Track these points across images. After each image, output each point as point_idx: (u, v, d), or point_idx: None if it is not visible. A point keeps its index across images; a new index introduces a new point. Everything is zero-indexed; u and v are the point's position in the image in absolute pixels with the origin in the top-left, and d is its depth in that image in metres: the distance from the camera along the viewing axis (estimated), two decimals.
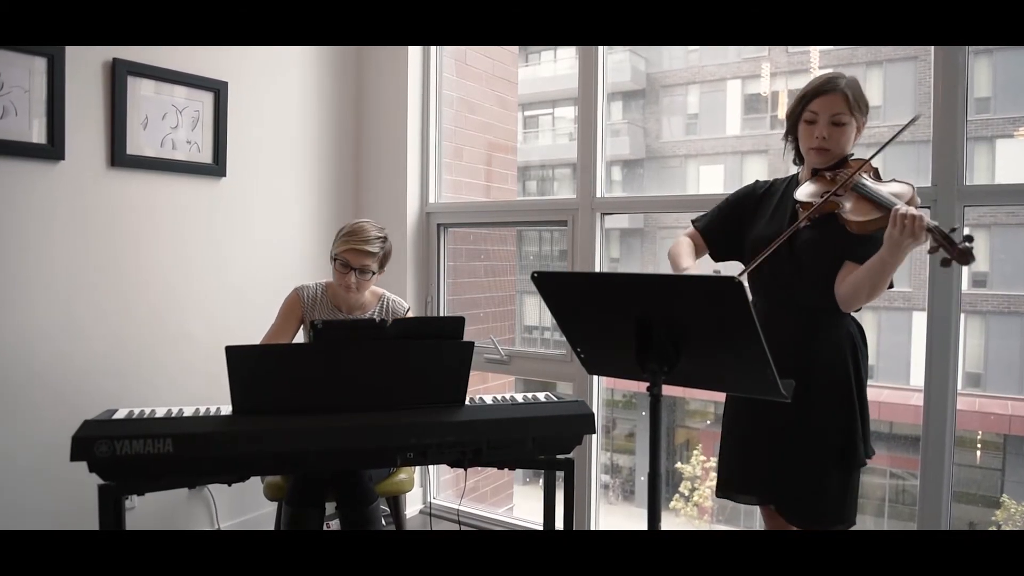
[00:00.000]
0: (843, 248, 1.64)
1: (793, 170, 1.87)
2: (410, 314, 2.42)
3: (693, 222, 1.94)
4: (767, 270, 1.73)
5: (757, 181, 1.92)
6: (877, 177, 1.69)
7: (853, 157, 1.73)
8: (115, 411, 1.76)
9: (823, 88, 1.69)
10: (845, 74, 1.73)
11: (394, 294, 2.43)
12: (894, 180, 1.67)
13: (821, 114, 1.69)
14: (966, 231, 1.47)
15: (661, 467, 1.38)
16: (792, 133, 1.79)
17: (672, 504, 5.02)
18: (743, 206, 1.87)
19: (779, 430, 1.70)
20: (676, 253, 1.88)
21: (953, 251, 1.43)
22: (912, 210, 1.47)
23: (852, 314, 1.75)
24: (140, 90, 2.46)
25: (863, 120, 1.72)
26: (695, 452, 5.38)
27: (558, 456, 1.94)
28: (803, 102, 1.73)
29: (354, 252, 2.18)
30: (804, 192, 1.71)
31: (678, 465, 5.20)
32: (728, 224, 1.87)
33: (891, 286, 1.66)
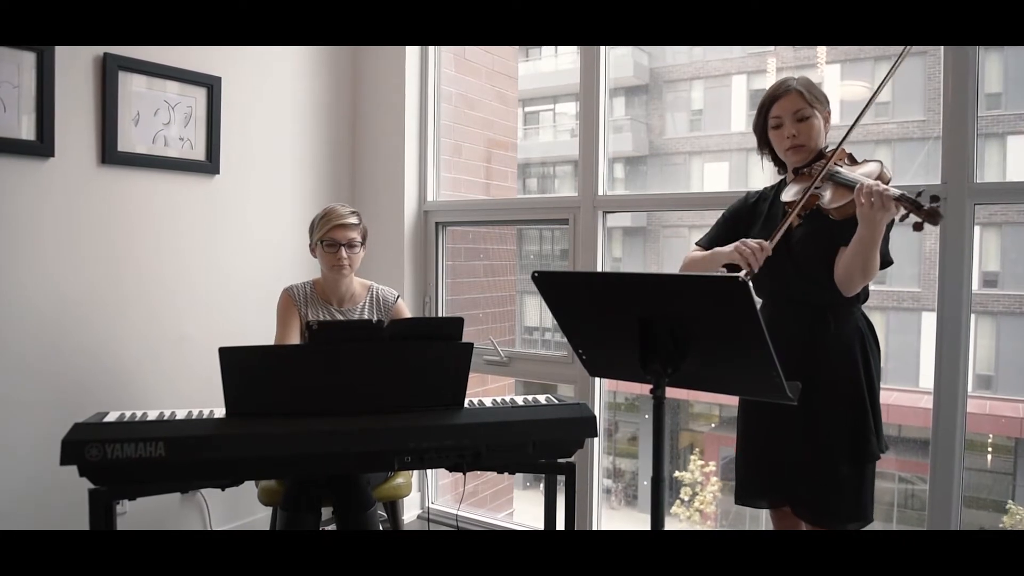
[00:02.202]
0: (835, 236, 1.68)
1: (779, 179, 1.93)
2: (407, 313, 2.43)
3: (697, 243, 1.97)
4: (767, 272, 1.76)
5: (748, 192, 1.96)
6: (853, 162, 1.76)
7: (828, 149, 1.79)
8: (106, 414, 1.74)
9: (777, 92, 1.79)
10: (794, 75, 1.82)
11: (382, 284, 2.45)
12: (866, 161, 1.74)
13: (784, 116, 1.77)
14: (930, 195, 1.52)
15: (665, 471, 1.37)
16: (765, 145, 1.87)
17: (673, 510, 4.97)
18: (738, 218, 1.91)
19: (791, 429, 1.71)
20: (695, 257, 1.89)
21: (922, 213, 1.48)
22: (876, 183, 1.53)
23: (862, 309, 1.78)
24: (131, 86, 2.43)
25: (826, 111, 1.80)
26: (693, 458, 5.33)
27: (559, 460, 1.92)
28: (764, 111, 1.82)
29: (338, 228, 2.25)
30: (789, 193, 1.77)
31: (676, 474, 5.15)
32: (729, 236, 1.90)
33: (890, 264, 1.71)
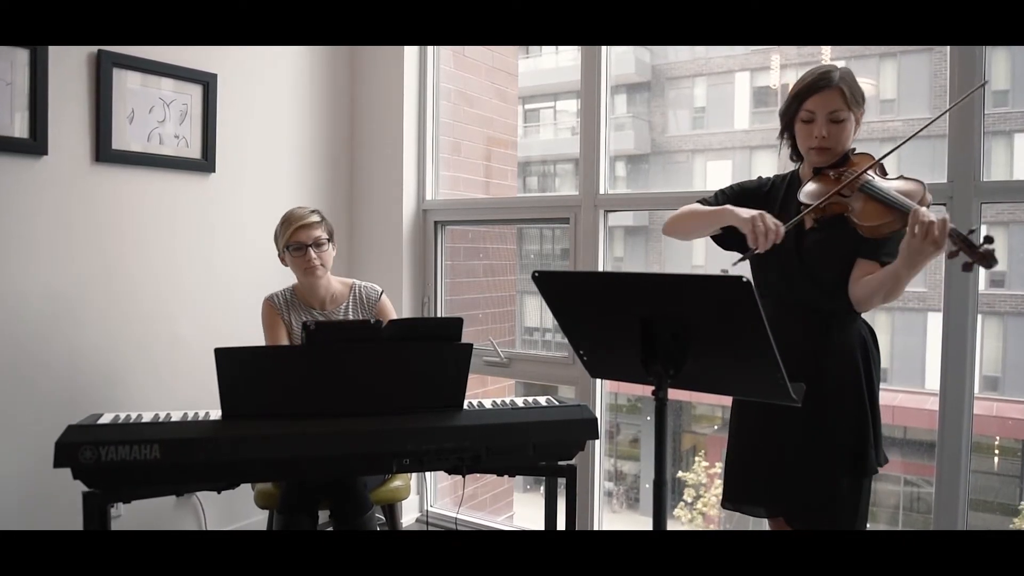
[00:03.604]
0: (856, 246, 1.60)
1: (791, 166, 1.81)
2: (391, 309, 2.37)
3: (699, 201, 1.83)
4: (774, 273, 1.70)
5: (760, 177, 1.86)
6: (883, 172, 1.64)
7: (856, 152, 1.68)
8: (100, 416, 1.73)
9: (818, 85, 1.62)
10: (838, 65, 1.67)
11: (366, 281, 2.39)
12: (902, 177, 1.61)
13: (818, 112, 1.62)
14: (984, 230, 1.45)
15: (667, 474, 1.35)
16: (788, 131, 1.74)
17: (676, 513, 4.95)
18: (749, 197, 1.79)
19: (788, 437, 1.66)
20: (695, 209, 1.75)
21: (975, 255, 1.36)
22: (932, 215, 1.40)
23: (863, 316, 1.72)
24: (126, 83, 2.40)
25: (860, 112, 1.66)
26: (698, 459, 5.31)
27: (560, 462, 1.91)
28: (798, 100, 1.66)
29: (300, 230, 2.19)
30: (808, 193, 1.65)
31: (680, 474, 5.13)
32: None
33: None
